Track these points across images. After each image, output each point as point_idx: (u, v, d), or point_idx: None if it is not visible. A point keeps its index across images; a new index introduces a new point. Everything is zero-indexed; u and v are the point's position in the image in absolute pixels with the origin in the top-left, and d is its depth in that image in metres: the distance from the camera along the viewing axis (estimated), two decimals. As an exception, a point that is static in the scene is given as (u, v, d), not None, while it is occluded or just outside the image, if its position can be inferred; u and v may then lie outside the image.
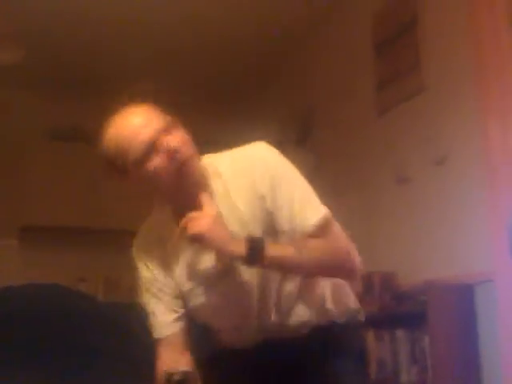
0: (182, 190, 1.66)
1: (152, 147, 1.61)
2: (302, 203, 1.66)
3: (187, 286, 1.73)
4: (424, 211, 3.01)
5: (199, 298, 1.72)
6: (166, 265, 1.74)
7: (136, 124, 1.64)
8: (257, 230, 1.65)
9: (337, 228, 1.69)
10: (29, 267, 3.82)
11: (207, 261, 1.70)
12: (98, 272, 4.21)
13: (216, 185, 1.70)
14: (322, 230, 1.65)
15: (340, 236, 1.69)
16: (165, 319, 1.74)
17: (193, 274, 1.72)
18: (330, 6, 3.69)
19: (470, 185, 2.74)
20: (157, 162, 1.60)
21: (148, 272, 1.75)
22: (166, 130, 1.63)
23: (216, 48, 4.02)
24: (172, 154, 1.61)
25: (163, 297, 1.75)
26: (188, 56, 4.11)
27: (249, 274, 1.67)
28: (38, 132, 4.20)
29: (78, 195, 4.15)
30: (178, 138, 1.63)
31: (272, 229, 1.66)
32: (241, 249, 1.58)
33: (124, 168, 1.64)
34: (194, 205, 1.64)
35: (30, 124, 4.12)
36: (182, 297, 1.74)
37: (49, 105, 4.23)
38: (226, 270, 1.68)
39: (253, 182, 1.67)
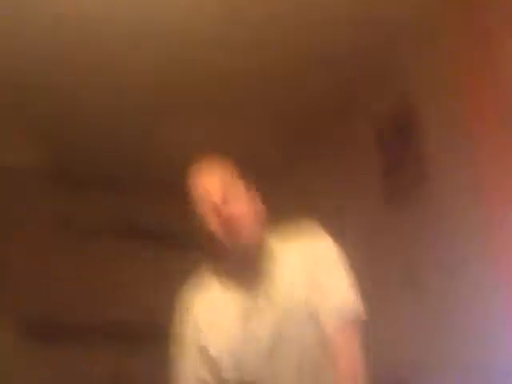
0: (236, 254, 1.74)
1: (212, 211, 1.73)
2: (348, 292, 1.76)
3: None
4: (434, 316, 3.00)
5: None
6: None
7: (203, 186, 1.78)
8: (292, 327, 1.71)
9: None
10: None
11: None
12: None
13: (269, 266, 1.79)
14: (351, 325, 1.74)
15: (356, 356, 1.73)
16: None
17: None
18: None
19: (483, 292, 2.74)
20: (215, 224, 1.73)
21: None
22: (227, 197, 1.75)
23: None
24: (227, 220, 1.72)
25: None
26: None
27: None
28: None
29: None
30: (238, 207, 1.75)
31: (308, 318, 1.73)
32: None
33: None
34: (246, 271, 1.75)
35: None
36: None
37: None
38: None
39: (307, 273, 1.76)
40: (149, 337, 3.83)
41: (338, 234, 1.80)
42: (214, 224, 1.73)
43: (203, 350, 1.78)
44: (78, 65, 3.28)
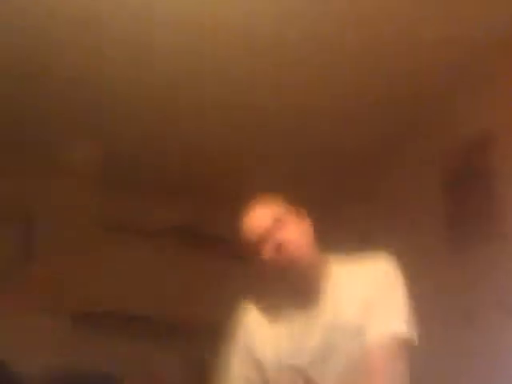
0: (287, 283, 1.79)
1: (262, 238, 1.77)
2: (401, 313, 1.74)
3: None
4: (493, 355, 2.98)
5: None
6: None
7: (253, 216, 1.83)
8: (340, 342, 1.72)
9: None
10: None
11: None
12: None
13: (326, 287, 1.80)
14: (398, 345, 1.70)
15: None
16: None
17: None
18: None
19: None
20: (266, 252, 1.76)
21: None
22: (279, 223, 1.79)
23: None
24: (278, 246, 1.76)
25: None
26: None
27: None
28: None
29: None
30: (289, 232, 1.79)
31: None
32: None
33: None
34: (299, 291, 1.79)
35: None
36: None
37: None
38: None
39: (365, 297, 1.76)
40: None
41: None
42: (265, 252, 1.77)
43: (253, 356, 1.84)
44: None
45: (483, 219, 3.18)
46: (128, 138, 3.86)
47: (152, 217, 4.29)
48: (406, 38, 3.06)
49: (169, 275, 4.22)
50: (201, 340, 3.83)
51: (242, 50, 3.14)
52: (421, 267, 3.50)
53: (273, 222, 1.80)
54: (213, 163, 4.09)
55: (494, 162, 3.17)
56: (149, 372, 3.97)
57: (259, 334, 1.86)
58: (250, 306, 1.93)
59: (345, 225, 3.97)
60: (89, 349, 3.78)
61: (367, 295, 1.77)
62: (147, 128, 3.77)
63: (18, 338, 3.65)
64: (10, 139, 3.74)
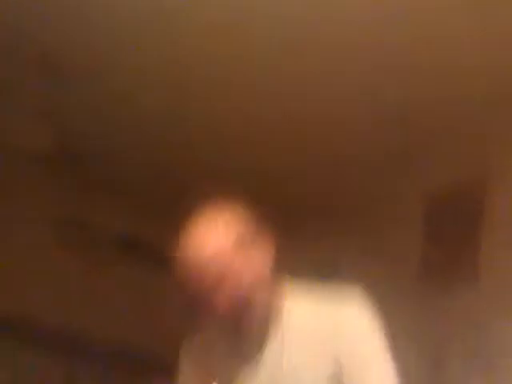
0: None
1: (215, 273, 1.38)
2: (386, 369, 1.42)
3: None
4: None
5: None
6: None
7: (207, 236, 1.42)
8: None
9: None
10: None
11: None
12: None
13: (275, 333, 1.45)
14: None
15: None
16: None
17: None
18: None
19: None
20: (217, 297, 1.38)
21: None
22: (239, 249, 1.41)
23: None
24: (235, 296, 1.38)
25: None
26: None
27: None
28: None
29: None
30: (250, 263, 1.42)
31: None
32: None
33: None
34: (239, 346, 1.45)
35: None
36: None
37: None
38: None
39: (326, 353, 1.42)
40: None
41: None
42: (216, 296, 1.38)
43: None
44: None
45: (459, 266, 3.01)
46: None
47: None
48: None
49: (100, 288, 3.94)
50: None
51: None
52: (392, 306, 3.34)
53: (232, 248, 1.42)
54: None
55: (479, 210, 3.01)
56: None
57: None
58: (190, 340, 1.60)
59: (310, 246, 3.72)
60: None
61: (334, 349, 1.43)
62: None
63: None
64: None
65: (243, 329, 1.44)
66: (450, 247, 3.12)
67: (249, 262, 1.43)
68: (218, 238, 1.43)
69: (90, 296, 3.87)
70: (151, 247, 4.05)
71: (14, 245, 3.74)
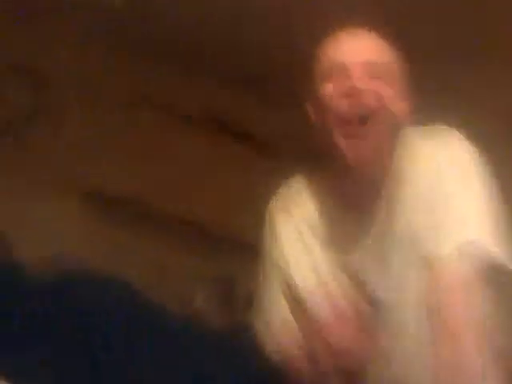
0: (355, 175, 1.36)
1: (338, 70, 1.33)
2: (480, 222, 1.27)
3: None
4: None
5: None
6: None
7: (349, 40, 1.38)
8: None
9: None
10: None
11: None
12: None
13: (392, 191, 1.36)
14: (476, 275, 1.20)
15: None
16: None
17: None
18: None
19: None
20: (330, 88, 1.35)
21: None
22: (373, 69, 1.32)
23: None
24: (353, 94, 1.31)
25: None
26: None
27: None
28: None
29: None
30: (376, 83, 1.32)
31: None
32: None
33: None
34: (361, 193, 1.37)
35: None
36: None
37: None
38: None
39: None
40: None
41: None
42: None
43: (289, 287, 1.44)
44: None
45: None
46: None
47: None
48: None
49: (200, 169, 3.63)
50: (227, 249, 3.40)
51: None
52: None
53: (378, 58, 1.34)
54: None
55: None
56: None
57: (294, 258, 1.45)
58: (284, 213, 1.49)
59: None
60: (96, 239, 3.28)
61: (435, 198, 1.32)
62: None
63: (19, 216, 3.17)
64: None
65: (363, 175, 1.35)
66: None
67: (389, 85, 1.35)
68: (367, 42, 1.36)
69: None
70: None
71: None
